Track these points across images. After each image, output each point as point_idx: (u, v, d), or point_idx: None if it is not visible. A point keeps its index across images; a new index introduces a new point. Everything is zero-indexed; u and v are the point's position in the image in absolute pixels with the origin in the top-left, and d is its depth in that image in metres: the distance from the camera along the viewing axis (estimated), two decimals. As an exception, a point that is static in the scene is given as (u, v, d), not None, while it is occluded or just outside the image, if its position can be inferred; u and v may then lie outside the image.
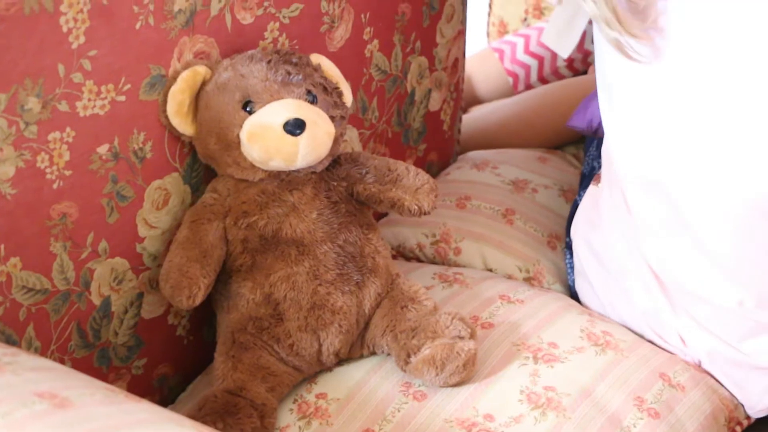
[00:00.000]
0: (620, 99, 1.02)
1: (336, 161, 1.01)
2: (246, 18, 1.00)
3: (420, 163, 1.36)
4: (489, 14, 1.91)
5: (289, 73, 0.94)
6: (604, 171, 1.11)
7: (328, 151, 0.95)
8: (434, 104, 1.37)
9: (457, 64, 1.41)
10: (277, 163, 0.93)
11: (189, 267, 0.91)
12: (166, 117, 0.94)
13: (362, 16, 1.17)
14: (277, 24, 1.04)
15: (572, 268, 1.18)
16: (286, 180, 0.96)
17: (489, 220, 1.25)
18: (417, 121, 1.34)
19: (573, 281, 1.17)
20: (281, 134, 0.91)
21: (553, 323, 1.06)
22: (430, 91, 1.36)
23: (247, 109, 0.93)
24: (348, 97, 1.04)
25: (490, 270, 1.21)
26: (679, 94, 0.96)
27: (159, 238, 0.98)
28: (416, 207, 1.00)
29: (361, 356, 1.00)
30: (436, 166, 1.41)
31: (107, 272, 0.94)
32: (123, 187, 0.93)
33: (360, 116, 1.23)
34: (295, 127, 0.91)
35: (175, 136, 0.96)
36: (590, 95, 1.35)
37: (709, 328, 1.02)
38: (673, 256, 1.01)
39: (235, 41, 1.00)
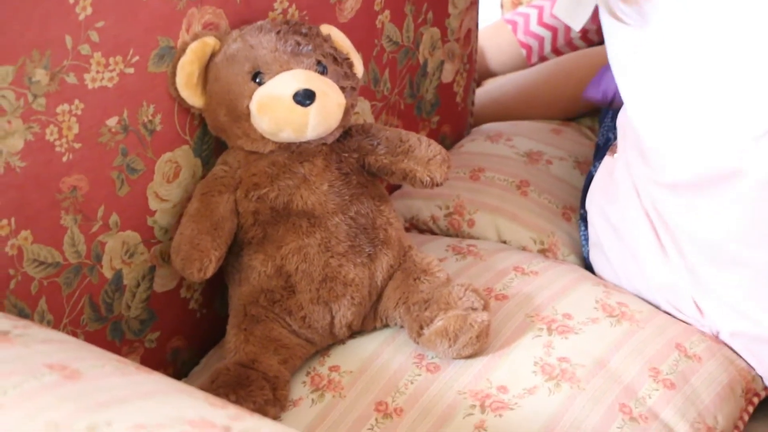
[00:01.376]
0: (629, 66, 1.01)
1: (347, 133, 1.00)
2: (255, -12, 0.99)
3: (433, 135, 1.35)
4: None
5: (298, 44, 0.93)
6: (620, 141, 1.10)
7: (339, 122, 0.95)
8: (447, 76, 1.36)
9: (469, 35, 1.39)
10: (287, 135, 0.92)
11: (200, 239, 0.91)
12: (176, 89, 0.93)
13: (373, -15, 1.16)
14: (287, -6, 1.03)
15: (587, 239, 1.17)
16: (296, 152, 0.95)
17: (503, 192, 1.24)
18: (430, 93, 1.33)
19: (588, 253, 1.16)
20: (291, 105, 0.90)
21: (568, 295, 1.05)
22: (442, 62, 1.34)
23: (257, 80, 0.93)
24: (359, 68, 1.03)
25: (504, 242, 1.20)
26: (672, 59, 0.96)
27: (170, 211, 0.97)
28: (428, 178, 0.99)
29: (374, 329, 0.99)
30: (449, 139, 1.40)
31: (119, 245, 0.93)
32: (133, 159, 0.92)
33: (372, 88, 1.21)
34: (305, 97, 0.90)
35: (185, 108, 0.95)
36: (605, 66, 1.34)
37: (730, 301, 1.01)
38: (698, 216, 1.00)
39: (243, 12, 0.99)
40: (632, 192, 1.07)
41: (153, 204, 0.96)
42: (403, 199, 1.26)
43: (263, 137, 0.93)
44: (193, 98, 0.93)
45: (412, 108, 1.31)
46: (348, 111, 0.96)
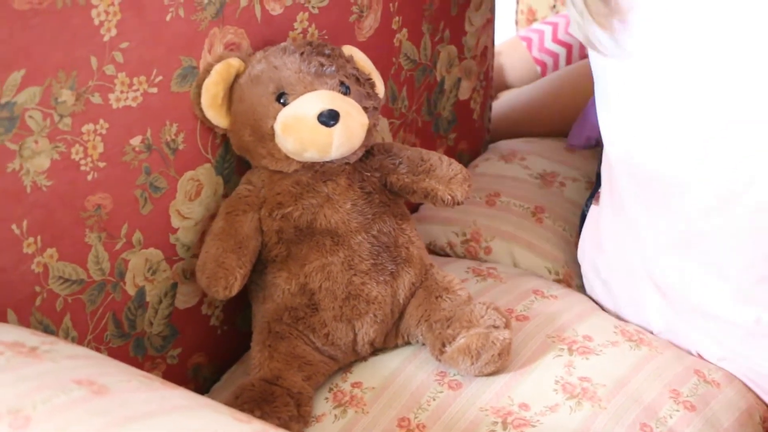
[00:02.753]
0: (613, 100, 1.00)
1: (369, 152, 1.01)
2: (275, 8, 1.00)
3: (450, 153, 1.36)
4: (518, 2, 1.90)
5: (322, 65, 0.95)
6: (604, 190, 1.09)
7: (362, 142, 0.96)
8: (464, 93, 1.37)
9: (486, 53, 1.40)
10: (311, 155, 0.93)
11: (225, 258, 0.92)
12: (201, 110, 0.94)
13: (391, 5, 1.17)
14: (307, 14, 1.04)
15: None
16: (320, 171, 0.96)
17: (519, 219, 1.25)
18: (447, 110, 1.34)
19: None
20: (315, 125, 0.92)
21: (587, 319, 1.05)
22: (459, 79, 1.35)
23: (281, 100, 0.94)
24: (380, 88, 1.04)
25: (521, 269, 1.20)
26: (653, 90, 0.95)
27: (192, 228, 0.98)
28: (449, 197, 1.00)
29: (396, 346, 1.00)
30: (466, 156, 1.40)
31: (141, 263, 0.94)
32: (156, 178, 0.93)
33: (390, 105, 1.22)
34: (329, 118, 0.91)
35: (208, 127, 0.96)
36: (584, 111, 1.34)
37: (728, 346, 1.01)
38: (681, 275, 1.00)
39: (264, 32, 1.00)
40: (618, 243, 1.06)
41: (175, 222, 0.96)
42: (419, 225, 1.26)
43: (287, 157, 0.94)
44: (218, 119, 0.95)
45: (429, 125, 1.32)
46: (370, 131, 0.97)
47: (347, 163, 0.97)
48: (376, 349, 0.99)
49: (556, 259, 1.21)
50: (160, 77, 0.91)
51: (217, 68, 0.93)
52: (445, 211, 1.24)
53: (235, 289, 0.93)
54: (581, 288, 1.17)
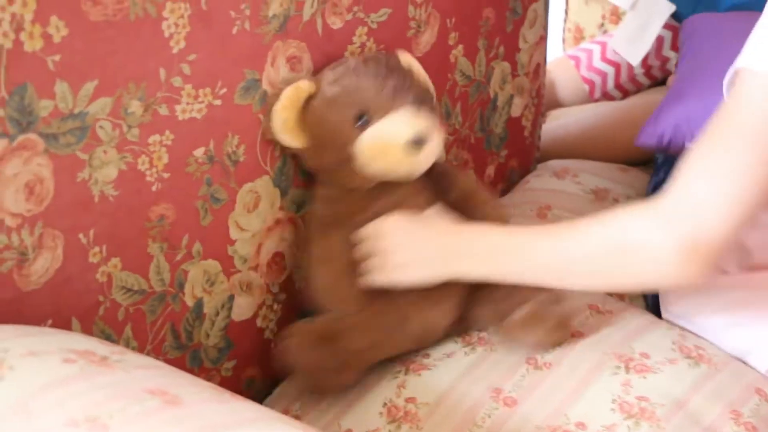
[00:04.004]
0: None
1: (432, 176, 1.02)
2: (336, 23, 1.01)
3: (502, 169, 1.35)
4: (565, 20, 1.90)
5: (397, 83, 0.96)
6: None
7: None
8: (516, 110, 1.37)
9: (538, 70, 1.40)
10: (396, 175, 0.96)
11: (337, 282, 0.97)
12: (273, 133, 0.96)
13: (448, 21, 1.17)
14: (366, 29, 1.05)
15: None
16: (393, 181, 0.98)
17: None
18: (499, 127, 1.34)
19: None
20: (406, 151, 0.94)
21: (644, 335, 1.04)
22: (512, 96, 1.35)
23: (360, 122, 0.95)
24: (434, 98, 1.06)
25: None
26: None
27: (249, 240, 0.98)
28: None
29: (464, 329, 1.03)
30: (517, 173, 1.40)
31: (200, 274, 0.95)
32: (217, 189, 0.94)
33: (444, 121, 1.22)
34: (420, 143, 0.94)
35: (267, 140, 0.97)
36: (658, 107, 1.33)
37: None
38: None
39: (325, 46, 1.00)
40: None
41: (234, 233, 0.97)
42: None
43: (366, 177, 0.96)
44: (291, 141, 0.96)
45: (481, 142, 1.31)
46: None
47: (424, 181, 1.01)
48: (446, 334, 1.02)
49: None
50: (225, 89, 0.91)
51: (287, 93, 0.94)
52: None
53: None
54: (635, 299, 1.16)
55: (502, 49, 1.30)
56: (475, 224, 0.99)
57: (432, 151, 0.95)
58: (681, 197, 0.83)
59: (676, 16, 1.57)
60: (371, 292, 0.96)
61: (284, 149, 0.99)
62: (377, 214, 0.97)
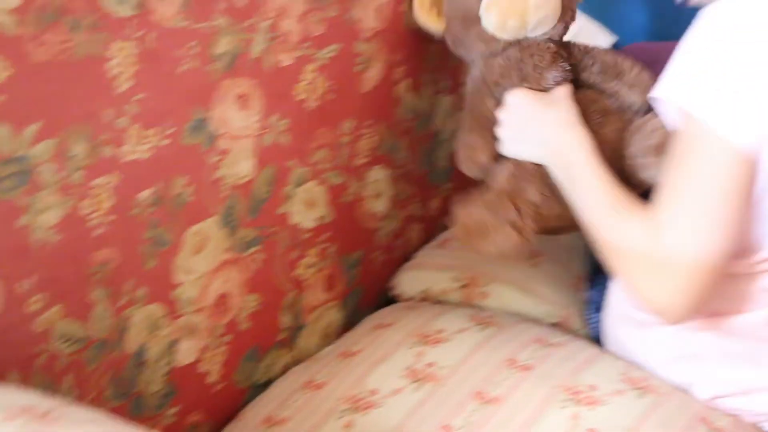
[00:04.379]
0: None
1: (568, 46, 1.09)
2: (285, 60, 0.99)
3: (446, 203, 1.35)
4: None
5: None
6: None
7: (559, 15, 1.06)
8: (459, 143, 1.36)
9: (481, 103, 1.40)
10: (513, 23, 1.04)
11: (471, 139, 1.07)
12: (416, 20, 1.12)
13: (394, 56, 1.16)
14: (314, 65, 1.03)
15: (594, 304, 1.16)
16: (525, 45, 1.05)
17: (516, 264, 1.23)
18: (444, 161, 1.33)
19: (596, 320, 1.15)
20: None
21: (591, 367, 1.04)
22: (456, 130, 1.34)
23: None
24: None
25: (518, 314, 1.19)
26: None
27: (195, 282, 0.95)
28: (629, 101, 1.05)
29: None
30: (461, 206, 1.39)
31: (143, 319, 0.91)
32: (163, 232, 0.90)
33: (389, 156, 1.21)
34: None
35: (215, 180, 0.94)
36: None
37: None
38: None
39: (274, 83, 0.98)
40: None
41: (179, 276, 0.94)
42: (414, 271, 1.24)
43: (494, 37, 1.05)
44: (430, 23, 1.12)
45: (426, 175, 1.30)
46: (567, 9, 1.07)
47: (550, 41, 1.06)
48: None
49: (555, 302, 1.19)
50: (172, 129, 0.88)
51: None
52: (442, 258, 1.23)
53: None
54: (580, 329, 1.16)
55: (447, 82, 1.29)
56: (578, 131, 1.01)
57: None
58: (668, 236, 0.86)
59: (616, 47, 1.58)
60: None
61: (233, 188, 0.96)
62: (516, 84, 1.05)
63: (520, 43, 1.06)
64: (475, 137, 1.07)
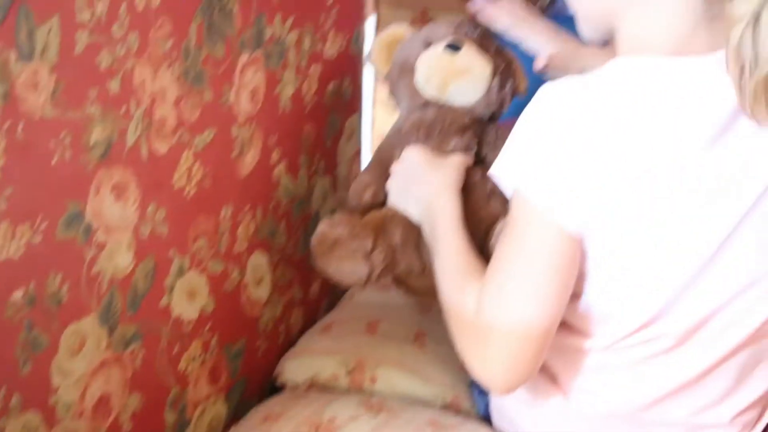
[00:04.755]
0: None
1: (484, 128, 1.12)
2: (161, 147, 0.96)
3: (326, 286, 1.33)
4: (372, 130, 1.92)
5: (467, 29, 1.14)
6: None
7: (482, 93, 1.11)
8: (337, 224, 1.35)
9: (356, 183, 1.40)
10: (434, 82, 1.10)
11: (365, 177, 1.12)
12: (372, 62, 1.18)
13: (270, 138, 1.15)
14: (191, 152, 1.00)
15: (479, 390, 1.15)
16: (444, 109, 1.10)
17: (402, 345, 1.22)
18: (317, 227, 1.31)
19: (485, 403, 1.15)
20: (440, 53, 1.10)
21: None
22: (334, 211, 1.33)
23: (425, 46, 1.12)
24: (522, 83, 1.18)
25: (409, 397, 1.17)
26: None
27: (73, 386, 0.89)
28: None
29: None
30: (341, 288, 1.38)
31: (19, 430, 0.84)
32: (38, 334, 0.84)
33: (269, 241, 1.18)
34: (452, 45, 1.09)
35: (94, 275, 0.89)
36: None
37: None
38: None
39: (151, 172, 0.94)
40: None
41: (56, 380, 0.87)
42: (299, 358, 1.21)
43: (418, 91, 1.11)
44: (380, 64, 1.18)
45: (305, 259, 1.28)
46: (494, 92, 1.12)
47: (470, 113, 1.11)
48: None
49: (443, 384, 1.18)
50: (45, 223, 0.83)
51: (388, 30, 1.17)
52: (327, 342, 1.21)
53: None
54: (471, 408, 1.15)
55: (322, 164, 1.28)
56: (450, 198, 1.04)
57: (467, 62, 1.09)
58: (494, 309, 0.87)
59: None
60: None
61: (110, 282, 0.91)
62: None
63: (440, 106, 1.11)
64: (369, 176, 1.12)
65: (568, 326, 0.92)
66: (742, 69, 0.80)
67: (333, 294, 1.37)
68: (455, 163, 1.08)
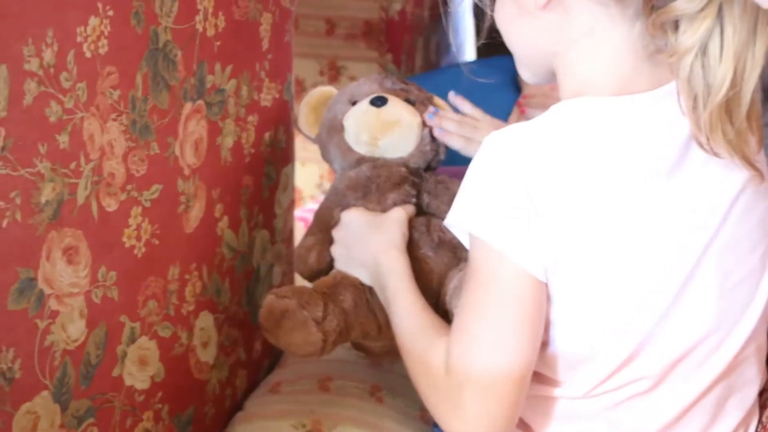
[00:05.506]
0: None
1: (422, 178, 1.11)
2: (111, 204, 0.89)
3: (266, 345, 1.26)
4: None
5: (391, 83, 1.14)
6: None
7: (416, 144, 1.09)
8: (276, 278, 1.29)
9: (292, 235, 1.35)
10: (364, 138, 1.08)
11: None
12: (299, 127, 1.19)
13: (213, 192, 1.09)
14: (140, 208, 0.93)
15: None
16: (378, 164, 1.08)
17: (358, 401, 1.17)
18: (263, 299, 1.25)
19: None
20: (367, 108, 1.09)
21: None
22: (272, 265, 1.28)
23: (352, 104, 1.12)
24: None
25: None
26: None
27: (26, 472, 0.81)
28: None
29: None
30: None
31: None
32: (-11, 418, 0.76)
33: (214, 300, 1.12)
34: (378, 99, 1.08)
35: (46, 347, 0.81)
36: None
37: None
38: None
39: (102, 232, 0.87)
40: None
41: (8, 468, 0.79)
42: (249, 423, 1.15)
43: (350, 148, 1.10)
44: (308, 128, 1.17)
45: (249, 316, 1.22)
46: (427, 141, 1.10)
47: (405, 166, 1.08)
48: None
49: (405, 438, 1.14)
50: (-4, 294, 0.75)
51: (314, 93, 1.18)
52: (278, 404, 1.15)
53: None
54: None
55: (261, 217, 1.23)
56: (396, 256, 1.01)
57: (395, 115, 1.09)
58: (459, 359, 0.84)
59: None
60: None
61: (63, 353, 0.83)
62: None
63: (374, 161, 1.09)
64: (311, 239, 1.09)
65: (537, 375, 0.89)
66: (695, 100, 0.80)
67: (275, 353, 1.31)
68: (396, 219, 1.05)
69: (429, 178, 1.11)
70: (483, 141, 0.84)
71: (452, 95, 1.20)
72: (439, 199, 1.11)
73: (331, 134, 1.12)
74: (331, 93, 1.17)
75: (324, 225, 1.10)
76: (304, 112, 1.17)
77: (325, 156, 1.17)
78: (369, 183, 1.08)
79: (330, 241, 1.08)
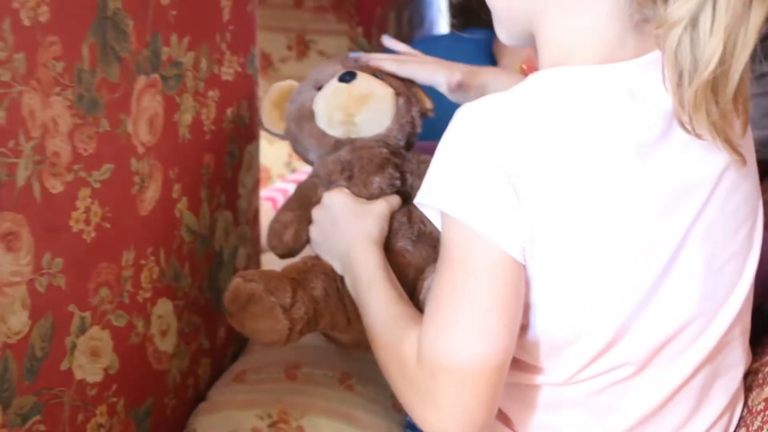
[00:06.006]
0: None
1: (403, 157, 1.05)
2: (56, 186, 0.82)
3: (232, 332, 1.21)
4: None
5: (354, 60, 1.09)
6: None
7: (392, 117, 1.04)
8: (241, 262, 1.24)
9: (257, 216, 1.29)
10: (338, 117, 1.03)
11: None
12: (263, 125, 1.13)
13: (171, 172, 1.03)
14: (89, 190, 0.87)
15: (411, 427, 1.07)
16: (357, 146, 1.02)
17: (327, 390, 1.12)
18: (227, 283, 1.19)
19: None
20: (336, 86, 1.03)
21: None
22: (236, 248, 1.22)
23: (317, 89, 1.06)
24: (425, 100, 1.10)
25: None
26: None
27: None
28: None
29: None
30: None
31: None
32: None
33: (173, 285, 1.06)
34: (346, 75, 1.03)
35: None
36: None
37: None
38: None
39: (45, 215, 0.81)
40: None
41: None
42: (212, 413, 1.09)
43: (324, 133, 1.04)
44: (273, 126, 1.11)
45: (211, 302, 1.16)
46: (403, 113, 1.05)
47: (385, 144, 1.03)
48: None
49: (377, 427, 1.09)
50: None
51: (274, 88, 1.11)
52: (243, 393, 1.10)
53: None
54: None
55: (223, 197, 1.17)
56: (371, 250, 0.96)
57: (366, 89, 1.03)
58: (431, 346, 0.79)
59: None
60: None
61: (5, 348, 0.77)
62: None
63: (352, 143, 1.02)
64: (289, 215, 1.04)
65: (517, 362, 0.84)
66: (680, 76, 0.76)
67: (240, 340, 1.25)
68: (378, 212, 0.99)
69: (411, 158, 1.06)
70: (456, 113, 0.79)
71: (386, 38, 1.15)
72: (422, 178, 1.06)
73: (301, 124, 1.06)
74: (291, 86, 1.11)
75: (305, 201, 1.05)
76: (266, 110, 1.11)
77: (298, 149, 1.10)
78: (351, 167, 1.02)
79: (309, 219, 1.03)
